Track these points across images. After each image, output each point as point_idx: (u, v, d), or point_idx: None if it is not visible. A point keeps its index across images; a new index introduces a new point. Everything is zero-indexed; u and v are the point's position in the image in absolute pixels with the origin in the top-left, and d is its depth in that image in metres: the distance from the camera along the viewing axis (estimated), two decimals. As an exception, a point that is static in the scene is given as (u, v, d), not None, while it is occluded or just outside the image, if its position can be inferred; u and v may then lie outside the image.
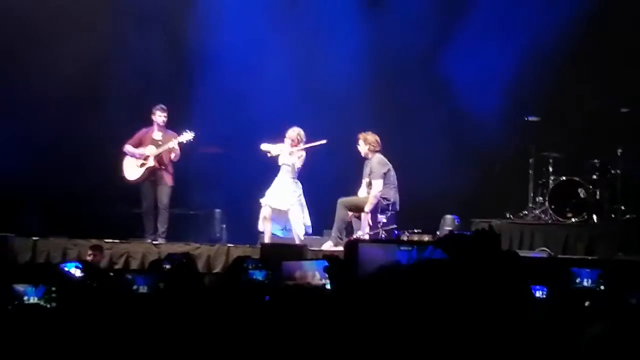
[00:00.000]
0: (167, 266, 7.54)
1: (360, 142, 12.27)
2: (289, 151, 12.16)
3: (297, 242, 11.96)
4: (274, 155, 12.21)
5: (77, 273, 7.90)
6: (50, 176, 13.64)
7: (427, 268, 3.31)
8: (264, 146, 12.24)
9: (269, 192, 12.18)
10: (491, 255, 3.63)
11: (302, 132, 12.25)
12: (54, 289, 4.94)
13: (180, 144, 12.70)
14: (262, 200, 12.18)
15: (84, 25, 14.00)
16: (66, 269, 7.97)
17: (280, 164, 12.22)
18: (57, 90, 13.74)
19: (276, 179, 12.23)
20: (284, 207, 12.12)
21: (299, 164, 12.16)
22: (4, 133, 13.38)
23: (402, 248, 4.85)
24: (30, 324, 4.33)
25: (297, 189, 12.20)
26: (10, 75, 13.92)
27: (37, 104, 13.88)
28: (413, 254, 4.75)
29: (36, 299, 4.94)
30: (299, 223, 12.10)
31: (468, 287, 3.33)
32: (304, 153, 12.21)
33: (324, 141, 12.27)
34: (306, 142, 12.25)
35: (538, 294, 5.86)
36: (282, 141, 12.31)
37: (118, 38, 14.15)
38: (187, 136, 12.69)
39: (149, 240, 12.62)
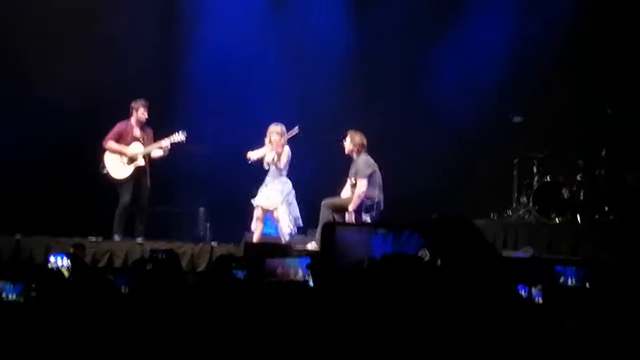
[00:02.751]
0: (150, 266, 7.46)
1: (348, 139, 12.25)
2: (270, 149, 12.12)
3: (283, 241, 11.92)
4: (256, 158, 12.15)
5: (65, 263, 7.88)
6: (33, 174, 13.57)
7: (397, 265, 3.29)
8: (251, 154, 12.18)
9: (259, 192, 12.15)
10: (472, 248, 3.60)
11: (281, 128, 12.18)
12: (33, 286, 4.88)
13: (172, 144, 12.62)
14: (253, 201, 12.15)
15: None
16: (53, 259, 7.95)
17: (266, 162, 12.17)
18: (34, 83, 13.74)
19: (266, 177, 12.19)
20: (270, 206, 12.08)
21: (283, 160, 12.10)
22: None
23: (378, 232, 4.79)
24: (6, 321, 4.28)
25: (284, 187, 12.14)
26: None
27: (22, 103, 13.83)
28: (388, 239, 4.70)
29: (14, 296, 4.88)
30: (285, 223, 12.04)
31: (443, 283, 3.32)
32: (286, 148, 12.15)
33: (296, 130, 12.20)
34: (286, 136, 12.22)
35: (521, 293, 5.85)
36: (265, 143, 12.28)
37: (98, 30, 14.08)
38: (180, 137, 12.58)
39: (117, 239, 12.49)
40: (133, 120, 12.75)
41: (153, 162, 12.80)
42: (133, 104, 12.74)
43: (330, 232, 4.78)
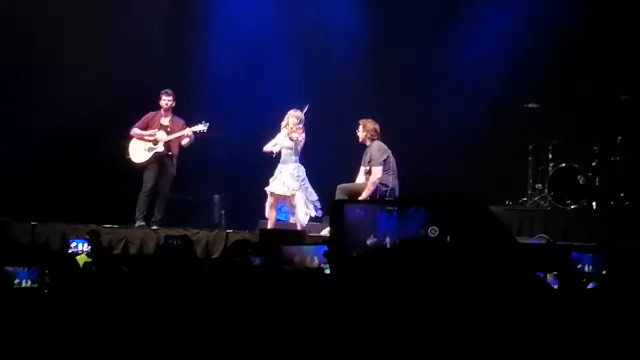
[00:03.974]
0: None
1: (360, 127, 12.22)
2: (288, 131, 12.11)
3: (299, 227, 11.92)
4: (278, 149, 12.15)
5: (85, 248, 7.95)
6: (49, 160, 13.63)
7: (409, 251, 3.27)
8: (267, 147, 12.21)
9: (273, 180, 12.14)
10: (480, 224, 3.56)
11: (299, 114, 12.16)
12: (47, 271, 4.85)
13: (195, 132, 12.79)
14: (267, 189, 12.15)
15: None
16: (74, 244, 8.01)
17: (280, 148, 12.16)
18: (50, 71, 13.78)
19: (279, 164, 12.19)
20: (287, 192, 12.08)
21: (301, 144, 12.10)
22: (6, 117, 13.38)
23: (387, 208, 4.76)
24: (20, 308, 4.25)
25: (300, 172, 12.15)
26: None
27: (37, 92, 13.88)
28: (394, 215, 4.68)
29: (29, 282, 4.85)
30: (302, 209, 12.05)
31: (456, 265, 3.29)
32: (303, 134, 12.14)
33: (307, 106, 12.17)
34: (304, 123, 12.19)
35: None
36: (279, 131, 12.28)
37: (116, 24, 14.09)
38: (201, 127, 12.79)
39: (138, 224, 12.63)
40: (161, 109, 13.00)
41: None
42: (160, 93, 12.99)
43: (339, 209, 4.76)
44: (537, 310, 3.26)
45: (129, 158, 12.96)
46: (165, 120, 12.97)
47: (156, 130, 12.89)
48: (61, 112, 13.54)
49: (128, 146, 12.99)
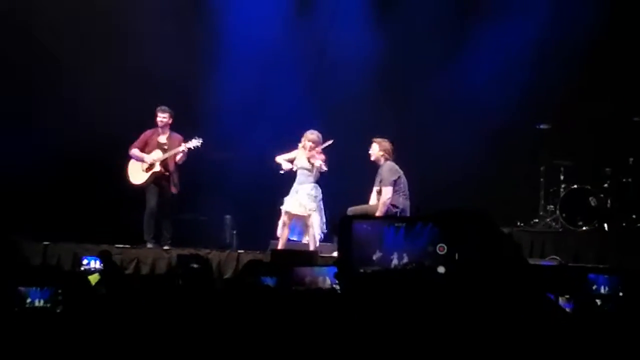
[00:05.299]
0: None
1: (374, 146, 12.22)
2: (308, 155, 12.09)
3: (312, 248, 11.90)
4: (295, 169, 12.14)
5: (97, 265, 7.95)
6: (61, 181, 13.66)
7: (415, 277, 3.27)
8: (279, 158, 12.19)
9: (289, 199, 12.14)
10: (489, 240, 3.55)
11: (317, 135, 12.17)
12: (59, 291, 4.83)
13: (189, 149, 12.71)
14: (282, 207, 12.14)
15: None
16: (85, 262, 8.01)
17: (297, 168, 12.16)
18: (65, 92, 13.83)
19: (295, 184, 12.19)
20: (304, 212, 12.07)
21: (322, 167, 12.07)
22: (17, 136, 13.41)
23: (395, 224, 4.75)
24: (32, 329, 4.23)
25: (317, 193, 12.13)
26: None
27: (52, 113, 13.92)
28: (401, 230, 4.67)
29: (42, 301, 4.83)
30: (318, 229, 12.04)
31: (463, 284, 3.28)
32: (324, 156, 12.13)
33: (330, 141, 12.19)
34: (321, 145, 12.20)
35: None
36: (295, 147, 12.27)
37: (125, 36, 14.12)
38: (195, 143, 12.70)
39: (150, 245, 12.61)
40: (158, 127, 12.95)
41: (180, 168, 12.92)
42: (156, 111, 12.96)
43: (348, 226, 4.74)
44: (548, 332, 3.24)
45: (128, 179, 12.92)
46: (162, 138, 12.90)
47: (154, 150, 12.82)
48: (75, 133, 13.55)
49: (127, 168, 12.96)
